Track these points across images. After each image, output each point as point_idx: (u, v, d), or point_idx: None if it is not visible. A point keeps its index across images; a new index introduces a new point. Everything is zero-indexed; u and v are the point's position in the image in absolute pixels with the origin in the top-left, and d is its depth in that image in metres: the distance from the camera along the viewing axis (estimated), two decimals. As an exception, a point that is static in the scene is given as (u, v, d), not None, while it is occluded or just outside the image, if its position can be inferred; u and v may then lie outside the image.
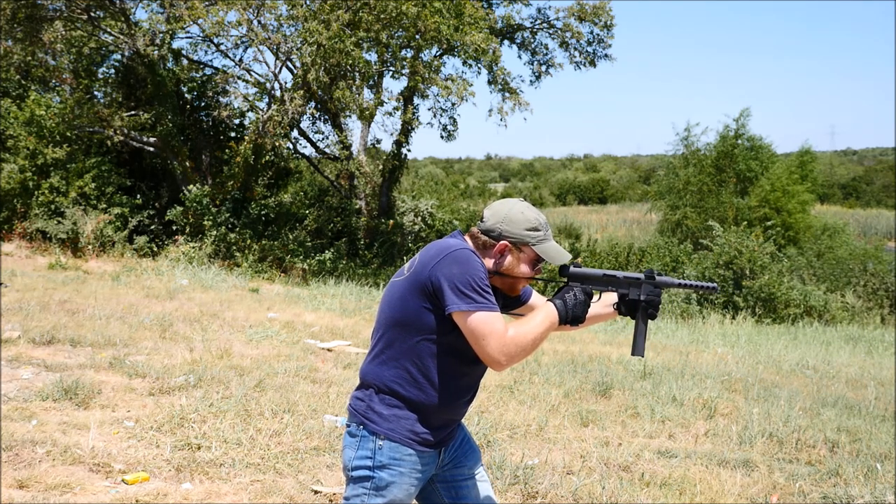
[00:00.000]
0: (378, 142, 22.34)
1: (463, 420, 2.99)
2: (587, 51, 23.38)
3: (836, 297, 19.75)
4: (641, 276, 2.86)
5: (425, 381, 2.69)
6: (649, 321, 2.89)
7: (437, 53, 19.84)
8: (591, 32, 22.99)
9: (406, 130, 20.62)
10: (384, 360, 2.74)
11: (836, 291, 20.56)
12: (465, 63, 20.74)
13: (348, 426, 2.81)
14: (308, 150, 22.43)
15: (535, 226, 2.77)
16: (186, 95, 19.89)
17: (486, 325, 2.56)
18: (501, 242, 2.76)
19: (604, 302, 3.01)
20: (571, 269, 2.82)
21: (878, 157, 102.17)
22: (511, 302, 2.99)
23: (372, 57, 19.22)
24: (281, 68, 19.14)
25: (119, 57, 19.72)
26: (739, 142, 29.96)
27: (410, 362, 2.69)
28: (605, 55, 23.42)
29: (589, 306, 2.77)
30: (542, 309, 2.69)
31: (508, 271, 2.79)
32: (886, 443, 6.52)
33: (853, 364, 10.93)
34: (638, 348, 2.86)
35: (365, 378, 2.79)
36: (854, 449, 6.37)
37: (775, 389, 8.59)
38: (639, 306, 2.85)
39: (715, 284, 2.95)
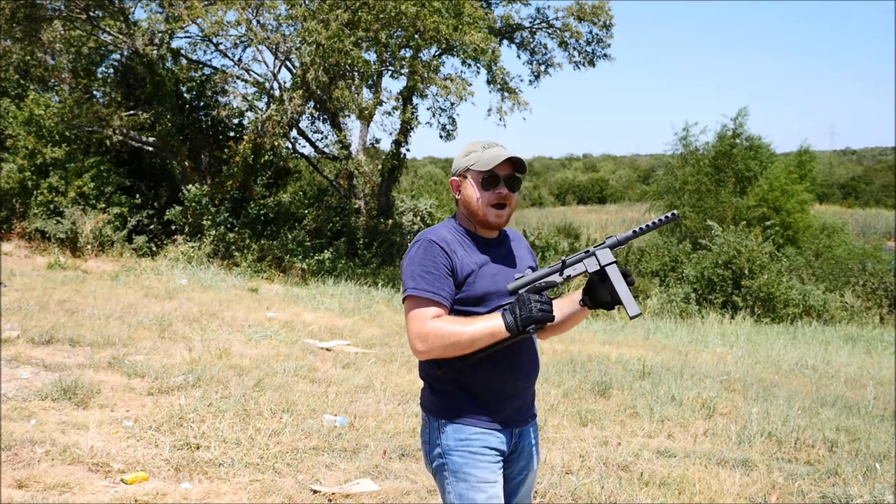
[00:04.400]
0: (377, 141, 22.33)
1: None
2: (586, 50, 23.39)
3: (835, 297, 19.73)
4: (590, 248, 2.72)
5: (454, 359, 2.70)
6: (628, 283, 2.68)
7: (436, 53, 19.83)
8: (591, 32, 23.00)
9: (405, 130, 20.61)
10: None
11: (835, 291, 20.54)
12: (464, 63, 20.75)
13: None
14: (307, 150, 22.45)
15: (471, 150, 2.80)
16: (185, 95, 19.88)
17: (412, 312, 2.64)
18: (451, 180, 2.85)
19: (571, 301, 2.88)
20: (511, 285, 2.69)
21: (878, 156, 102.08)
22: None
23: (371, 56, 19.22)
24: (280, 68, 19.15)
25: (118, 56, 19.75)
26: (738, 141, 29.92)
27: None
28: (605, 55, 23.45)
29: (548, 302, 2.60)
30: (488, 316, 2.64)
31: (467, 203, 2.80)
32: (885, 442, 6.52)
33: (852, 364, 10.93)
34: (631, 308, 2.63)
35: (419, 368, 2.87)
36: (853, 448, 6.37)
37: (774, 389, 8.59)
38: (603, 286, 2.69)
39: (675, 212, 2.74)
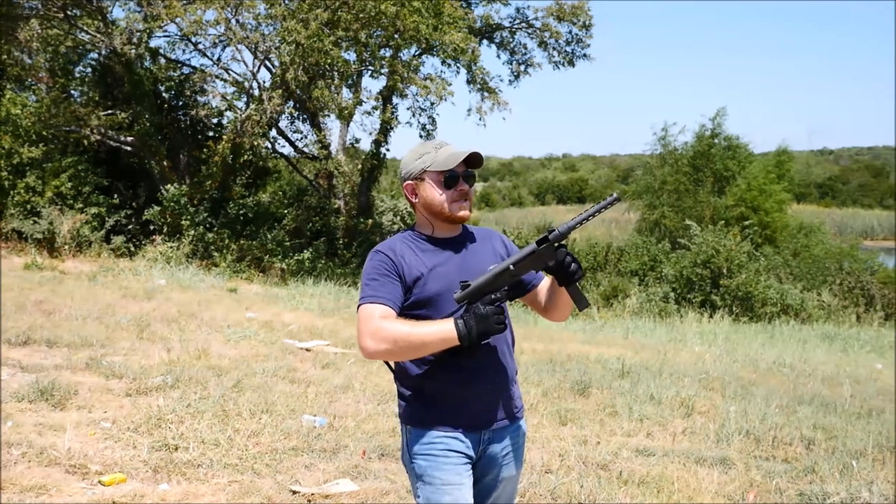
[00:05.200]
0: (357, 141, 22.35)
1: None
2: (566, 50, 23.49)
3: (813, 296, 19.92)
4: (533, 246, 2.68)
5: (413, 364, 2.75)
6: (578, 280, 2.73)
7: (416, 53, 19.84)
8: (570, 32, 23.12)
9: (385, 130, 20.59)
10: None
11: (813, 290, 20.73)
12: (443, 62, 20.78)
13: None
14: (287, 150, 22.40)
15: (423, 151, 2.82)
16: (164, 94, 19.77)
17: (360, 314, 2.68)
18: (405, 185, 2.87)
19: (554, 284, 2.84)
20: (458, 293, 2.66)
21: (854, 156, 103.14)
22: (518, 289, 2.94)
23: (351, 56, 19.18)
24: (259, 67, 19.09)
25: (96, 56, 19.60)
26: (716, 141, 30.11)
27: None
28: (584, 55, 23.57)
29: (501, 312, 2.61)
30: (441, 321, 2.64)
31: (429, 204, 2.81)
32: (862, 440, 6.58)
33: (829, 362, 11.03)
34: (579, 304, 2.77)
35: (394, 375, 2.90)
36: (830, 446, 6.43)
37: (752, 388, 8.66)
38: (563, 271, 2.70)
39: (615, 195, 2.66)
